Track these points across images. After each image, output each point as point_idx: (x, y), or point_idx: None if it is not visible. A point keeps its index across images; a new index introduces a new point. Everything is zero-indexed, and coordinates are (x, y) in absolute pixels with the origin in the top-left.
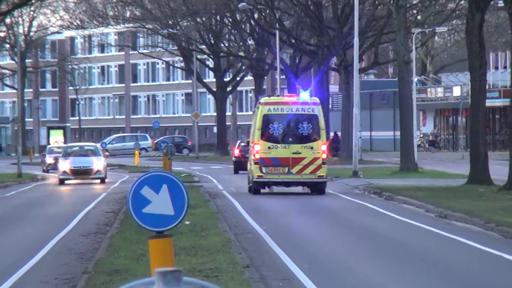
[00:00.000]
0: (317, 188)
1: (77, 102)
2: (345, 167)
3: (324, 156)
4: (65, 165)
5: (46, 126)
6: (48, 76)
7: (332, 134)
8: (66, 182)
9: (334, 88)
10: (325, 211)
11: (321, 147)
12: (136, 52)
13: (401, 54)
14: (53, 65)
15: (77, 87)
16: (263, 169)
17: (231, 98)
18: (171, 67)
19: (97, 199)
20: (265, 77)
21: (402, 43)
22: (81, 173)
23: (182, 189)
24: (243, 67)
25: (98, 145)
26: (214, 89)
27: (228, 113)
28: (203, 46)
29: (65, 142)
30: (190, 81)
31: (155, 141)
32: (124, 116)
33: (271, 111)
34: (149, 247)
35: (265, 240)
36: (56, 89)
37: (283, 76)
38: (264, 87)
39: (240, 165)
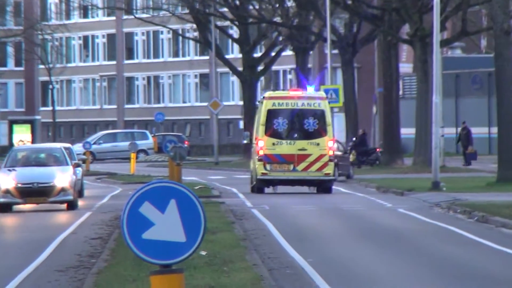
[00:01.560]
0: (323, 187)
1: (51, 87)
2: (421, 177)
3: (331, 152)
4: (8, 180)
5: (8, 120)
6: (10, 50)
7: (360, 132)
8: (15, 207)
9: (406, 67)
10: (393, 236)
11: (328, 144)
12: (132, 17)
13: (499, 21)
14: (17, 34)
15: (51, 65)
16: (267, 166)
17: (264, 81)
18: (180, 38)
19: (77, 221)
20: (311, 52)
21: (500, 6)
22: (34, 193)
23: (197, 207)
24: (280, 39)
25: (73, 146)
26: (240, 69)
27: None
28: (225, 9)
29: (33, 142)
30: (207, 57)
31: (158, 140)
32: (115, 106)
33: (275, 105)
34: (151, 286)
35: (311, 278)
36: (21, 68)
37: (336, 51)
38: (309, 65)
39: None
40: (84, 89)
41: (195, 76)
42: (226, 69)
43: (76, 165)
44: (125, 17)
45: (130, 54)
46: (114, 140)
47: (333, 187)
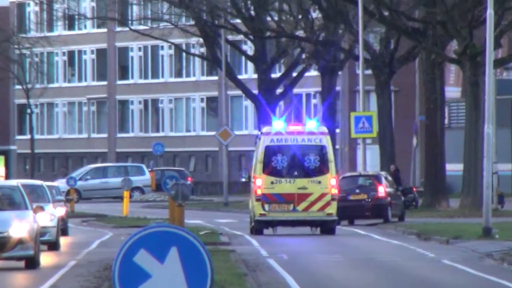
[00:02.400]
0: (326, 228)
1: (29, 111)
2: (470, 222)
3: (334, 191)
4: None
5: None
6: None
7: (392, 168)
8: None
9: (453, 91)
10: None
11: (330, 182)
12: (127, 29)
13: None
14: None
15: (29, 86)
16: (266, 206)
17: (283, 106)
18: (183, 54)
19: (58, 272)
20: (339, 73)
21: None
22: None
23: (202, 256)
24: (303, 56)
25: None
26: (256, 91)
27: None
28: (238, 21)
29: (7, 177)
30: (216, 77)
31: (156, 176)
32: (105, 135)
33: (274, 142)
34: None
35: None
36: None
37: (369, 71)
38: (338, 88)
39: (341, 212)
40: (68, 114)
41: (201, 99)
42: (239, 92)
43: (61, 202)
44: (118, 29)
45: (124, 74)
46: (104, 175)
47: (372, 234)
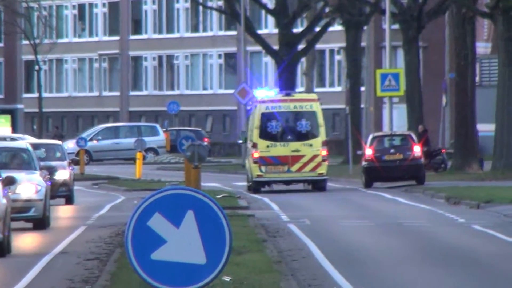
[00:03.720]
0: (318, 186)
1: (37, 68)
2: (503, 185)
3: (324, 153)
4: None
5: None
6: None
7: (419, 128)
8: None
9: (484, 47)
10: (466, 260)
11: (321, 144)
12: None
13: None
14: None
15: (37, 41)
16: (262, 168)
17: (306, 63)
18: (200, 7)
19: (68, 237)
20: (365, 28)
21: None
22: None
23: (220, 220)
24: (327, 10)
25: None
26: (276, 47)
27: (301, 89)
28: None
29: None
30: (234, 32)
31: (171, 137)
32: (118, 93)
33: (269, 109)
34: None
35: None
36: (0, 45)
37: (396, 26)
38: (363, 43)
39: (375, 174)
40: (78, 71)
41: (219, 56)
42: (258, 48)
43: (68, 164)
44: None
45: (137, 28)
46: (115, 136)
47: (398, 198)
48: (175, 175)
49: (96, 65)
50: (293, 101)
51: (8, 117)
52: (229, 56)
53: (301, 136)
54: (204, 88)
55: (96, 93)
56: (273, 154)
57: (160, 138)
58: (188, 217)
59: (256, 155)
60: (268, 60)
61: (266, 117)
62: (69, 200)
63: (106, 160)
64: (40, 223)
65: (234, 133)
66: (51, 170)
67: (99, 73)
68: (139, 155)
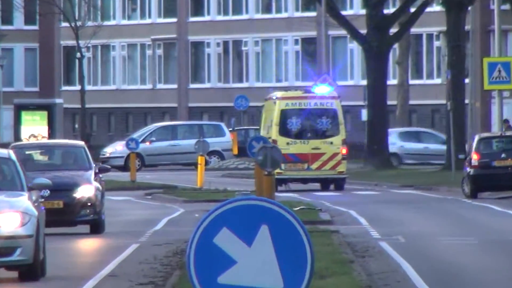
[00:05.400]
0: (337, 184)
1: (79, 55)
2: None
3: (344, 151)
4: None
5: (14, 104)
6: (18, 2)
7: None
8: None
9: None
10: None
11: (341, 142)
12: None
13: None
14: None
15: (79, 23)
16: (282, 166)
17: (398, 50)
18: None
19: (119, 256)
20: (469, 8)
21: None
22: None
23: (300, 237)
24: None
25: (112, 144)
26: (364, 31)
27: (393, 81)
28: None
29: (50, 137)
30: (313, 13)
31: (239, 138)
32: (175, 86)
33: (288, 106)
34: None
35: None
36: (35, 27)
37: (506, 6)
38: (467, 27)
39: (482, 182)
40: (128, 59)
41: (295, 41)
42: (343, 32)
43: (95, 175)
44: None
45: (198, 8)
46: (172, 136)
47: (506, 210)
48: (244, 183)
49: (149, 52)
50: (313, 98)
51: (45, 113)
52: (307, 42)
53: (321, 134)
54: (278, 80)
55: (149, 86)
56: (293, 151)
57: (225, 139)
58: (262, 233)
59: None
60: (353, 46)
61: (286, 114)
62: (95, 227)
63: (161, 165)
64: (30, 271)
65: None
66: (67, 186)
67: (152, 61)
68: (200, 160)
